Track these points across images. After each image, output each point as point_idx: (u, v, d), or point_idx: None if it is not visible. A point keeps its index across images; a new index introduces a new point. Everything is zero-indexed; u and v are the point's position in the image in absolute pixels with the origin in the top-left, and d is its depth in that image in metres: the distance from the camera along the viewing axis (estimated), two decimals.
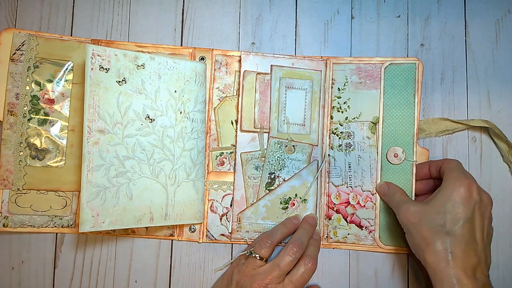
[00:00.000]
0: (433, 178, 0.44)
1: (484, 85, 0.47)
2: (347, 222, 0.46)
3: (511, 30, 0.47)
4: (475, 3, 0.48)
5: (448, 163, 0.41)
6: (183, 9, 0.48)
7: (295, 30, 0.48)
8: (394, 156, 0.45)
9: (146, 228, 0.45)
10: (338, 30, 0.48)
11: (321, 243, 0.45)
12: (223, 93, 0.47)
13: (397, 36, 0.48)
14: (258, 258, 0.41)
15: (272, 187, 0.46)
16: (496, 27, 0.47)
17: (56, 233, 0.45)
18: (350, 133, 0.46)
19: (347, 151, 0.46)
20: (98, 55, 0.40)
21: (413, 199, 0.45)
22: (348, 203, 0.46)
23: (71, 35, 0.47)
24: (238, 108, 0.46)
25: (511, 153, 0.45)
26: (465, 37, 0.48)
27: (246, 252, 0.43)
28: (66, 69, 0.45)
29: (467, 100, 0.47)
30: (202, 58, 0.47)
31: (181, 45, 0.48)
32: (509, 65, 0.47)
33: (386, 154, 0.45)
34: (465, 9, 0.48)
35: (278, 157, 0.46)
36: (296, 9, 0.48)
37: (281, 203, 0.46)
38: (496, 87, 0.47)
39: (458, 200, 0.37)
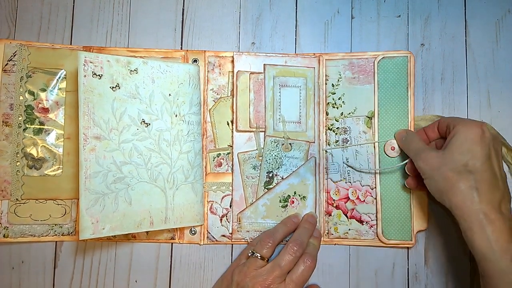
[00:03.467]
0: (442, 137, 0.43)
1: (484, 85, 0.47)
2: (348, 218, 0.46)
3: (511, 30, 0.47)
4: (475, 3, 0.48)
5: (447, 118, 0.42)
6: (183, 9, 0.48)
7: (295, 30, 0.48)
8: (391, 149, 0.45)
9: (147, 232, 0.45)
10: (338, 30, 0.48)
11: (322, 239, 0.45)
12: (217, 94, 0.47)
13: (397, 36, 0.48)
14: (260, 258, 0.41)
15: (271, 186, 0.46)
16: (496, 27, 0.47)
17: (56, 241, 0.45)
18: (346, 128, 0.46)
19: (344, 146, 0.46)
20: (91, 62, 0.40)
21: (412, 191, 0.45)
22: (348, 198, 0.46)
23: (71, 35, 0.47)
24: (233, 109, 0.46)
25: (509, 154, 0.45)
26: (465, 37, 0.48)
27: (248, 252, 0.43)
28: (59, 77, 0.45)
29: (467, 100, 0.47)
30: (195, 60, 0.47)
31: (181, 45, 0.48)
32: (509, 65, 0.47)
33: (384, 148, 0.45)
34: (465, 9, 0.48)
35: (275, 155, 0.46)
36: (296, 9, 0.48)
37: (280, 201, 0.46)
38: (496, 87, 0.47)
39: (475, 139, 0.37)
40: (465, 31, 0.48)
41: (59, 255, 0.45)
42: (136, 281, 0.46)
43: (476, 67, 0.47)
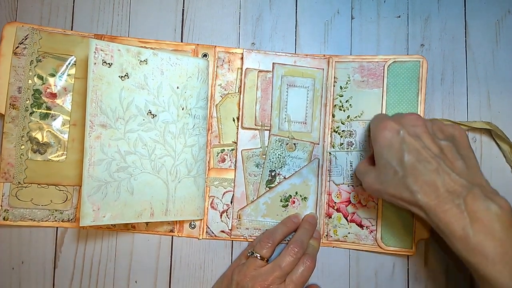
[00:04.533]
0: None
1: (484, 86, 0.47)
2: (348, 221, 0.46)
3: (511, 30, 0.47)
4: (475, 3, 0.48)
5: (371, 124, 0.40)
6: (183, 9, 0.48)
7: (295, 30, 0.48)
8: None
9: (146, 223, 0.45)
10: (338, 30, 0.48)
11: (321, 241, 0.45)
12: (225, 90, 0.47)
13: (397, 36, 0.48)
14: (259, 258, 0.41)
15: (273, 185, 0.46)
16: (496, 27, 0.47)
17: (57, 228, 0.45)
18: (352, 131, 0.46)
19: (349, 149, 0.46)
20: (101, 50, 0.40)
21: None
22: (349, 202, 0.46)
23: None
24: (239, 105, 0.46)
25: None
26: (465, 37, 0.48)
27: (247, 252, 0.42)
28: (69, 63, 0.45)
29: (467, 100, 0.47)
30: (205, 55, 0.47)
31: None
32: (509, 65, 0.47)
33: None
34: (465, 9, 0.48)
35: (279, 154, 0.46)
36: (296, 9, 0.48)
37: (281, 200, 0.46)
38: (496, 88, 0.47)
39: (387, 144, 0.36)
40: (465, 32, 0.48)
41: (59, 255, 0.45)
42: (136, 282, 0.45)
43: (476, 67, 0.47)
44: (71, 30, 0.47)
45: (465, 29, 0.48)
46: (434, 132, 0.37)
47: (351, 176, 0.46)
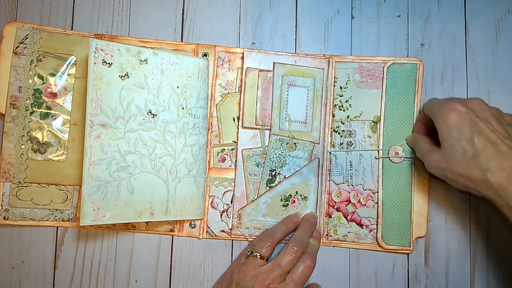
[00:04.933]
0: (430, 127, 0.43)
1: (484, 85, 0.47)
2: (348, 221, 0.46)
3: (511, 30, 0.47)
4: (475, 3, 0.48)
5: (426, 106, 0.41)
6: (183, 9, 0.48)
7: (295, 30, 0.48)
8: (395, 155, 0.45)
9: (147, 223, 0.45)
10: (338, 30, 0.48)
11: (321, 241, 0.45)
12: (225, 89, 0.47)
13: (397, 36, 0.48)
14: (259, 257, 0.41)
15: (273, 184, 0.46)
16: (496, 27, 0.48)
17: (57, 227, 0.45)
18: (351, 131, 0.46)
19: (348, 149, 0.46)
20: (101, 50, 0.40)
21: (413, 195, 0.45)
22: (349, 201, 0.46)
23: None
24: (240, 105, 0.46)
25: None
26: (465, 37, 0.48)
27: (247, 251, 0.42)
28: (69, 63, 0.45)
29: None
30: (205, 54, 0.47)
31: None
32: (509, 65, 0.47)
33: (388, 153, 0.45)
34: (465, 9, 0.48)
35: (279, 154, 0.46)
36: (296, 9, 0.48)
37: (281, 200, 0.46)
38: (496, 87, 0.47)
39: (456, 125, 0.37)
40: (465, 31, 0.48)
41: (59, 255, 0.45)
42: (136, 281, 0.46)
43: (476, 67, 0.47)
44: (71, 29, 0.47)
45: (465, 29, 0.48)
46: (497, 116, 0.39)
47: (351, 176, 0.46)
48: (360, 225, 0.46)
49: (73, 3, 0.47)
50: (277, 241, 0.43)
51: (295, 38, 0.48)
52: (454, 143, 0.37)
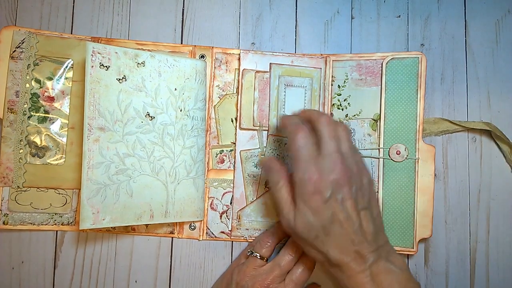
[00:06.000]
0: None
1: (484, 85, 0.47)
2: None
3: (511, 30, 0.47)
4: (475, 3, 0.48)
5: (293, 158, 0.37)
6: (183, 9, 0.48)
7: (295, 30, 0.48)
8: (397, 154, 0.45)
9: (146, 225, 0.45)
10: (338, 30, 0.48)
11: None
12: (223, 91, 0.47)
13: (397, 36, 0.48)
14: (259, 257, 0.41)
15: None
16: (496, 27, 0.47)
17: (56, 231, 0.45)
18: (350, 130, 0.46)
19: None
20: (99, 53, 0.40)
21: (416, 195, 0.44)
22: None
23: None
24: (237, 106, 0.46)
25: None
26: (465, 37, 0.48)
27: (247, 251, 0.43)
28: (66, 66, 0.45)
29: (467, 100, 0.47)
30: (202, 56, 0.47)
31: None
32: (509, 65, 0.47)
33: (389, 152, 0.45)
34: (465, 9, 0.48)
35: (277, 155, 0.46)
36: (296, 9, 0.48)
37: None
38: (496, 87, 0.47)
39: (316, 211, 0.35)
40: (465, 31, 0.48)
41: (59, 255, 0.45)
42: (136, 281, 0.46)
43: (476, 67, 0.47)
44: (71, 30, 0.47)
45: (465, 29, 0.48)
46: (356, 195, 0.36)
47: None
48: None
49: (73, 3, 0.47)
50: (277, 241, 0.43)
51: (295, 38, 0.48)
52: (308, 225, 0.35)
